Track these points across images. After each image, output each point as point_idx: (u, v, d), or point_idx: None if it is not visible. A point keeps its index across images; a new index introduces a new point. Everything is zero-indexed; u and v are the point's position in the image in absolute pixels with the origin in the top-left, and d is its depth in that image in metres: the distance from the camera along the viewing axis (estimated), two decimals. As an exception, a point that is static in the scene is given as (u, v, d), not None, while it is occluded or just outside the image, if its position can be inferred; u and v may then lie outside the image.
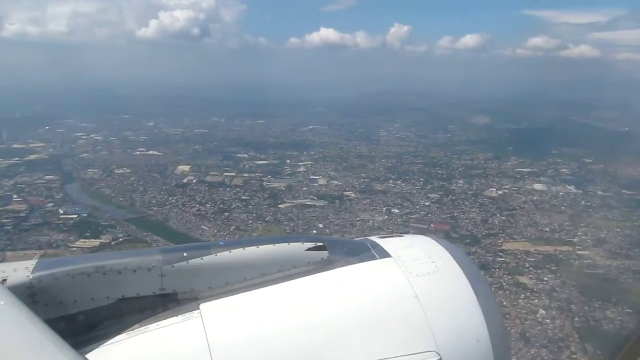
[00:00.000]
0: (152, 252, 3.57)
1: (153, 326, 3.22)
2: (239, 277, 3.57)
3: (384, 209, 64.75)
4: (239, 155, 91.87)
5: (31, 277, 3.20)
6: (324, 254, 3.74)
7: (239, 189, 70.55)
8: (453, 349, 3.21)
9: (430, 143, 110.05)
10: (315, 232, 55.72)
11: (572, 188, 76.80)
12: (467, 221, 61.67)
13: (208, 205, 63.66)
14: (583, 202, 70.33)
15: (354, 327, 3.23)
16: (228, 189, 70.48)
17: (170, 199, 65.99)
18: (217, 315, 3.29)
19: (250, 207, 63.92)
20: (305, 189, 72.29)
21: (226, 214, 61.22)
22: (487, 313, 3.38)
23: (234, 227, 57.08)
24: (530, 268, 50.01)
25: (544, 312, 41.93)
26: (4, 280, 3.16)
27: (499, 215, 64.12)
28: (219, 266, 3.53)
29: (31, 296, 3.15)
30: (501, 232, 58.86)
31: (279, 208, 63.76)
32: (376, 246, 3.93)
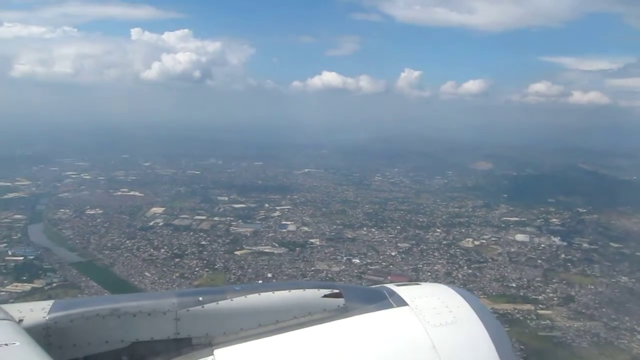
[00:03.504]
0: (167, 295, 3.55)
1: None
2: (253, 323, 3.53)
3: (345, 258, 61.81)
4: (219, 198, 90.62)
5: (47, 317, 3.21)
6: (340, 301, 3.72)
7: (202, 233, 68.64)
8: None
9: (423, 188, 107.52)
10: (260, 281, 53.10)
11: (556, 239, 72.86)
12: (429, 274, 58.24)
13: (162, 250, 61.74)
14: (563, 255, 66.24)
15: None
16: (191, 233, 68.64)
17: (127, 242, 64.34)
18: None
19: (205, 252, 61.76)
20: (271, 234, 69.98)
21: (177, 260, 59.05)
22: None
23: (177, 274, 54.83)
24: (480, 328, 46.25)
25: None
26: (20, 320, 3.17)
27: (466, 267, 60.87)
28: (234, 311, 3.51)
29: (46, 337, 3.15)
30: (461, 286, 55.13)
31: (234, 255, 61.45)
32: (393, 294, 3.95)
